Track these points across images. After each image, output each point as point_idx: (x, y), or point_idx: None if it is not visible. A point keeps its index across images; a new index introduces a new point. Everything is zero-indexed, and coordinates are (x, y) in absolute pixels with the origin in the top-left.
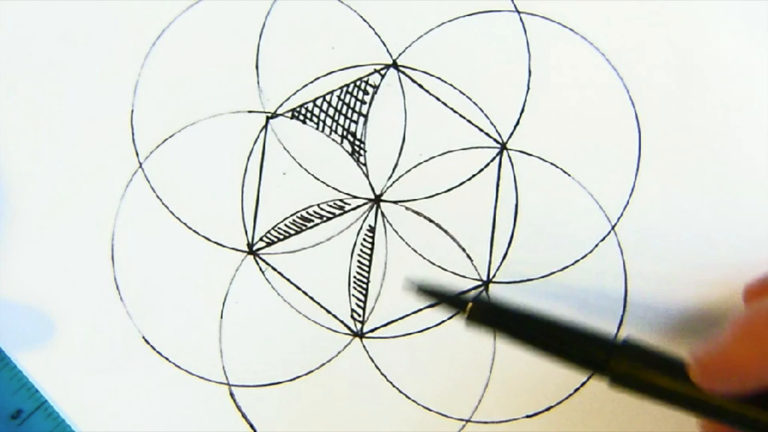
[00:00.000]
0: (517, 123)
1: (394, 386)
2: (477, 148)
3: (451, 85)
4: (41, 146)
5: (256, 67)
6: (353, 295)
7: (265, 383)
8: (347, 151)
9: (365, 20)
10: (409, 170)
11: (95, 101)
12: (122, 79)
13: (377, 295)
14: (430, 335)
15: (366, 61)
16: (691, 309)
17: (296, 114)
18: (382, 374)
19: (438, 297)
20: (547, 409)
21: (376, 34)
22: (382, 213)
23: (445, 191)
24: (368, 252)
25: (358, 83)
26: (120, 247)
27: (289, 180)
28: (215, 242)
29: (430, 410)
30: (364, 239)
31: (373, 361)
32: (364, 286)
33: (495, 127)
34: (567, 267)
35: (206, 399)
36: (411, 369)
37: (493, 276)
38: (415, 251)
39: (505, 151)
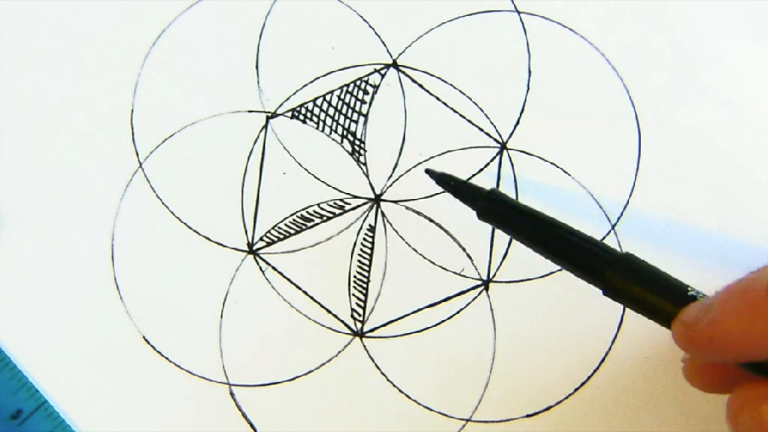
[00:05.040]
0: (517, 123)
1: (394, 386)
2: (477, 147)
3: (451, 85)
4: (42, 146)
5: (256, 67)
6: (353, 295)
7: (265, 383)
8: (347, 151)
9: (365, 20)
10: (409, 170)
11: (95, 101)
12: (122, 79)
13: (377, 295)
14: (430, 335)
15: (366, 61)
16: None
17: (296, 114)
18: (382, 374)
19: (455, 185)
20: (547, 409)
21: (376, 34)
22: (382, 213)
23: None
24: (368, 252)
25: (358, 83)
26: (120, 247)
27: (289, 180)
28: (215, 242)
29: (430, 410)
30: (364, 239)
31: (373, 361)
32: (364, 286)
33: (495, 127)
34: None
35: (206, 399)
36: (411, 369)
37: (493, 276)
38: (415, 251)
39: (505, 151)
